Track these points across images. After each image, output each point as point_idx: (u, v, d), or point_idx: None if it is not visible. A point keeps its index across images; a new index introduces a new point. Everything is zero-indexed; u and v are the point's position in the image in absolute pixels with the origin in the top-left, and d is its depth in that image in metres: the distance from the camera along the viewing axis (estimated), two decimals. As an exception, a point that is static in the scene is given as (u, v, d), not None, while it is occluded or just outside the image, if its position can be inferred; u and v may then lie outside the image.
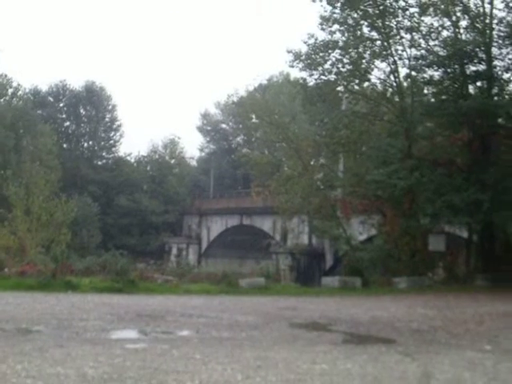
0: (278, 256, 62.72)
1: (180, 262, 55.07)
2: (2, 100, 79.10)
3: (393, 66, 34.92)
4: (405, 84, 36.09)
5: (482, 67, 32.05)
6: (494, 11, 32.46)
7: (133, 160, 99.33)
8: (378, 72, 35.87)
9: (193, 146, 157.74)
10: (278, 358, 9.94)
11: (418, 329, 14.44)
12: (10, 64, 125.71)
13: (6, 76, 79.72)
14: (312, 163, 42.84)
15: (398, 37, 34.67)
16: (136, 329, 13.13)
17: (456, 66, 32.17)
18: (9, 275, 24.17)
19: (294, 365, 9.33)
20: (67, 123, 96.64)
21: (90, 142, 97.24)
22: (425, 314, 17.90)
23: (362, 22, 34.73)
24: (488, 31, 32.17)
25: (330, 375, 8.70)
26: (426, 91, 35.44)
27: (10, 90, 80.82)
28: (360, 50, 35.14)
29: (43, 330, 12.42)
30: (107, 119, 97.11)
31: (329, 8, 34.65)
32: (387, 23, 34.37)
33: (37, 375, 8.00)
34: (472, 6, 32.91)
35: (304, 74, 37.17)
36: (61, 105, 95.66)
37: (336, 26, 34.88)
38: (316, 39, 35.11)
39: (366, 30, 35.05)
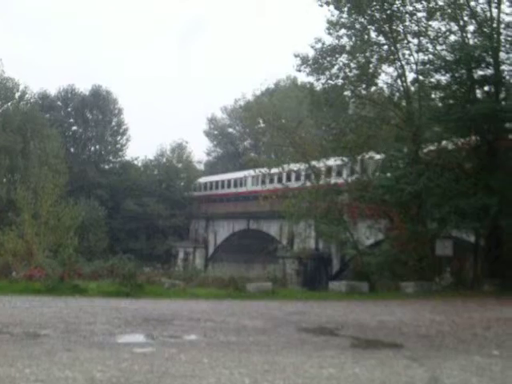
0: (285, 260, 62.65)
1: (187, 267, 55.10)
2: (9, 104, 79.20)
3: (400, 71, 34.97)
4: (412, 88, 36.08)
5: (489, 72, 31.98)
6: (502, 15, 32.50)
7: (140, 164, 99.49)
8: (385, 76, 35.96)
9: (200, 151, 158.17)
10: (285, 362, 9.92)
11: (425, 334, 14.40)
12: (19, 69, 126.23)
13: (13, 80, 79.91)
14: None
15: (406, 41, 34.71)
16: (143, 333, 13.13)
17: (463, 71, 32.10)
18: (16, 279, 24.25)
19: (302, 369, 9.31)
20: (74, 127, 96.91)
21: (97, 146, 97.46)
22: (432, 318, 17.85)
23: (369, 26, 34.78)
24: (495, 35, 32.12)
25: (337, 379, 8.68)
26: (433, 96, 35.40)
27: (18, 94, 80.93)
28: (367, 54, 35.18)
29: (51, 333, 12.43)
30: (114, 123, 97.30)
31: (336, 13, 34.77)
32: (394, 28, 34.41)
33: (45, 379, 8.01)
34: (479, 10, 32.95)
35: (311, 79, 37.30)
36: (68, 109, 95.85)
37: (343, 31, 34.96)
38: (323, 44, 35.18)
39: (373, 34, 35.14)
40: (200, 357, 10.07)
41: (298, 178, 48.66)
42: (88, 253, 61.46)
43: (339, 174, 42.18)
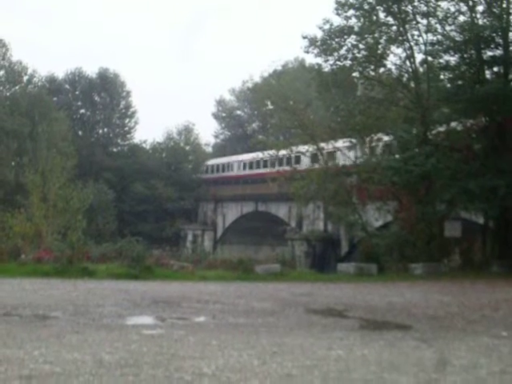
0: (294, 242, 62.66)
1: (195, 249, 55.10)
2: (17, 87, 79.19)
3: (409, 52, 34.81)
4: (421, 69, 35.97)
5: (498, 52, 31.83)
6: (511, -4, 32.24)
7: (148, 147, 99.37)
8: (394, 57, 35.83)
9: (208, 133, 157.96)
10: (294, 343, 9.93)
11: (434, 315, 14.40)
12: (27, 52, 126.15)
13: (21, 63, 79.84)
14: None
15: (414, 22, 34.53)
16: (152, 315, 13.16)
17: (472, 52, 31.96)
18: (25, 262, 24.30)
19: (310, 351, 9.32)
20: (82, 110, 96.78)
21: (105, 129, 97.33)
22: (441, 300, 17.85)
23: (377, 7, 34.59)
24: (505, 16, 31.91)
25: (346, 361, 8.68)
26: (442, 77, 35.25)
27: (26, 78, 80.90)
28: (376, 35, 35.02)
29: (60, 316, 12.46)
30: (122, 106, 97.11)
31: (345, -7, 34.56)
32: (403, 8, 34.23)
33: (54, 361, 8.03)
34: (489, -10, 32.70)
35: (319, 60, 37.22)
36: (76, 92, 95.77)
37: (352, 12, 34.79)
38: (331, 25, 35.03)
39: (381, 15, 34.97)
40: (209, 338, 10.09)
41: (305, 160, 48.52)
42: (97, 235, 61.47)
43: (348, 155, 41.98)
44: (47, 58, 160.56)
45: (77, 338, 9.92)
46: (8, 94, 78.43)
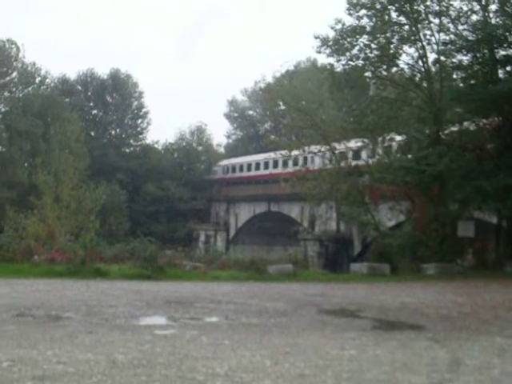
0: (306, 242, 62.61)
1: (208, 249, 55.18)
2: (30, 88, 79.44)
3: (421, 51, 34.74)
4: (433, 69, 35.89)
5: (511, 51, 31.68)
6: (524, -6, 32.14)
7: (160, 147, 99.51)
8: (406, 57, 35.77)
9: (220, 133, 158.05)
10: (306, 344, 9.93)
11: (447, 315, 14.37)
12: (39, 53, 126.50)
13: (34, 64, 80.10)
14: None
15: (427, 21, 34.46)
16: (165, 315, 13.18)
17: (485, 51, 31.85)
18: (38, 262, 24.38)
19: (323, 351, 9.32)
20: (94, 111, 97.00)
21: (118, 130, 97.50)
22: (454, 300, 17.81)
23: (389, 6, 34.53)
24: (518, 15, 31.81)
25: (358, 361, 8.67)
26: (454, 76, 35.16)
27: (38, 79, 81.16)
28: (388, 35, 34.98)
29: (73, 316, 12.50)
30: (134, 106, 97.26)
31: (356, -7, 34.54)
32: (415, 7, 34.17)
33: (67, 361, 8.05)
34: (501, -11, 32.60)
35: (331, 60, 37.14)
36: (88, 93, 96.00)
37: (363, 11, 34.76)
38: (343, 24, 35.00)
39: (393, 14, 34.92)
40: (221, 339, 10.10)
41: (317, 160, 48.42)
42: (109, 236, 61.61)
43: (360, 155, 41.93)
44: (59, 59, 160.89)
45: (90, 338, 9.95)
46: (21, 95, 78.63)
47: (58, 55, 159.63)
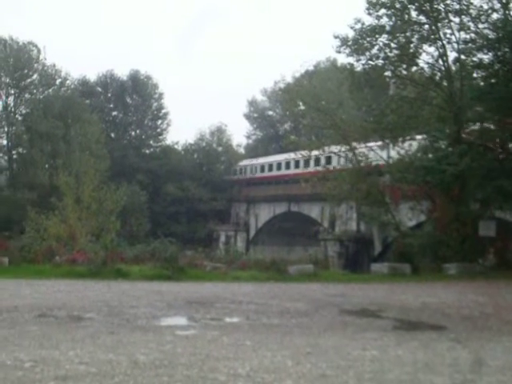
0: (327, 243, 62.49)
1: (228, 250, 55.18)
2: (50, 90, 79.87)
3: (441, 50, 34.55)
4: (453, 68, 35.67)
5: (532, 50, 31.47)
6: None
7: (180, 148, 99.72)
8: (426, 56, 35.57)
9: (240, 134, 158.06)
10: (328, 344, 9.92)
11: (468, 315, 14.30)
12: (59, 55, 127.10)
13: (54, 66, 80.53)
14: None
15: (447, 20, 34.24)
16: (186, 316, 13.21)
17: (506, 49, 31.60)
18: (60, 263, 24.51)
19: (345, 351, 9.30)
20: (114, 112, 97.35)
21: (138, 131, 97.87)
22: (476, 300, 17.72)
23: (409, 5, 34.36)
24: (539, 12, 31.60)
25: (380, 361, 8.66)
26: (475, 75, 34.90)
27: (59, 81, 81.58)
28: (408, 34, 34.81)
29: (95, 317, 12.56)
30: (154, 108, 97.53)
31: (376, -8, 34.42)
32: (435, 6, 33.97)
33: (89, 361, 8.09)
34: (522, -14, 32.39)
35: (351, 60, 37.01)
36: (108, 94, 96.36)
37: (383, 11, 34.59)
38: (363, 24, 34.88)
39: (413, 13, 34.72)
40: (243, 339, 10.11)
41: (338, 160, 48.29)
42: (130, 237, 61.90)
43: (380, 155, 41.75)
44: (78, 60, 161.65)
45: (111, 338, 9.99)
46: (41, 96, 79.15)
47: (78, 57, 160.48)
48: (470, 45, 33.03)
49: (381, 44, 35.02)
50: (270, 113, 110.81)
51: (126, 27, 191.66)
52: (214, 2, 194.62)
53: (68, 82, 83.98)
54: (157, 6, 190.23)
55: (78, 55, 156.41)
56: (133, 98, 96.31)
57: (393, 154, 39.28)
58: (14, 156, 79.28)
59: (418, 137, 36.92)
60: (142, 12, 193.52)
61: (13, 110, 78.54)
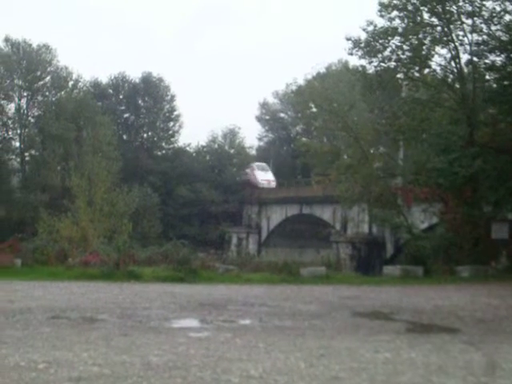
0: (339, 245, 62.43)
1: (240, 252, 55.21)
2: (62, 92, 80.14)
3: (454, 52, 34.47)
4: (466, 70, 35.59)
5: (545, 52, 31.39)
6: (559, -7, 31.80)
7: (192, 150, 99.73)
8: (439, 58, 35.48)
9: (252, 136, 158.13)
10: (340, 346, 9.92)
11: (482, 318, 14.26)
12: (71, 57, 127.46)
13: (66, 68, 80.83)
14: (372, 151, 42.55)
15: (459, 22, 34.15)
16: (198, 317, 13.23)
17: (519, 51, 31.57)
18: (72, 265, 24.61)
19: (357, 353, 9.30)
20: (126, 114, 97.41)
21: (150, 133, 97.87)
22: (489, 303, 17.67)
23: (421, 7, 34.32)
24: (552, 14, 31.50)
25: (393, 364, 8.65)
26: (488, 77, 34.82)
27: (71, 83, 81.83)
28: (420, 36, 34.74)
29: (108, 318, 12.60)
30: (166, 110, 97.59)
31: (388, -6, 34.40)
32: (448, 8, 33.89)
33: (103, 363, 8.13)
34: (535, -12, 32.28)
35: (363, 62, 36.96)
36: (120, 96, 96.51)
37: (395, 13, 34.57)
38: (375, 26, 34.85)
39: (426, 15, 34.65)
40: (255, 341, 10.12)
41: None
42: (142, 239, 62.00)
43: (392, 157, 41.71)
44: (91, 62, 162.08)
45: (124, 340, 10.02)
46: (54, 99, 79.43)
47: (90, 59, 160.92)
48: (482, 47, 32.94)
49: (393, 46, 34.99)
50: (282, 115, 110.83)
51: (137, 30, 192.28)
52: (226, 4, 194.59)
53: (80, 84, 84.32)
54: (160, 9, 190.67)
55: (89, 57, 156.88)
56: (145, 100, 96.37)
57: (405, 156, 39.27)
58: (27, 158, 79.60)
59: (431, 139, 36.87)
60: (151, 15, 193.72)
61: (25, 112, 78.95)
